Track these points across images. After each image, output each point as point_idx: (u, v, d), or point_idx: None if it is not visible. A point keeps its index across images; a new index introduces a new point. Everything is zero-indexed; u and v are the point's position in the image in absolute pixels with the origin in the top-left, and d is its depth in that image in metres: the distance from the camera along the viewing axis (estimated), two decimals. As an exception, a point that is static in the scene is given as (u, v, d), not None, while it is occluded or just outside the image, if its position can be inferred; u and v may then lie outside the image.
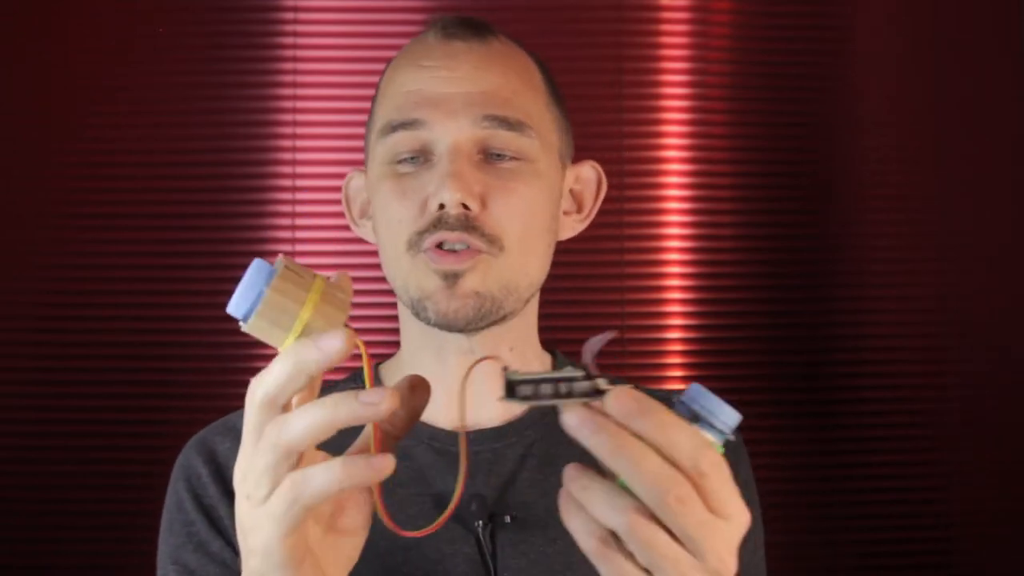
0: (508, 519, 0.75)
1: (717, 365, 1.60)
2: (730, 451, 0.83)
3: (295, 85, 1.61)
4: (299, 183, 1.60)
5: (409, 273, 0.76)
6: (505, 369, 0.50)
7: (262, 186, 1.60)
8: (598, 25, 1.64)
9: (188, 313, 1.57)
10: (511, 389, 0.49)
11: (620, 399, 0.49)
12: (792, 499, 1.56)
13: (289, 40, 1.62)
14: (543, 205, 0.79)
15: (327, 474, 0.48)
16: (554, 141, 0.81)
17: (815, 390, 1.62)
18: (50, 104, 1.59)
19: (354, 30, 1.62)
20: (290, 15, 1.62)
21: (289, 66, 1.62)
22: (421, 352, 0.81)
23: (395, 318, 0.85)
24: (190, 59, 1.60)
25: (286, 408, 0.50)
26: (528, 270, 0.78)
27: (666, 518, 0.48)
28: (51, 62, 1.59)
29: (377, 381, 0.85)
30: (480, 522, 0.74)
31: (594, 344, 0.51)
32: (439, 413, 0.80)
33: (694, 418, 0.51)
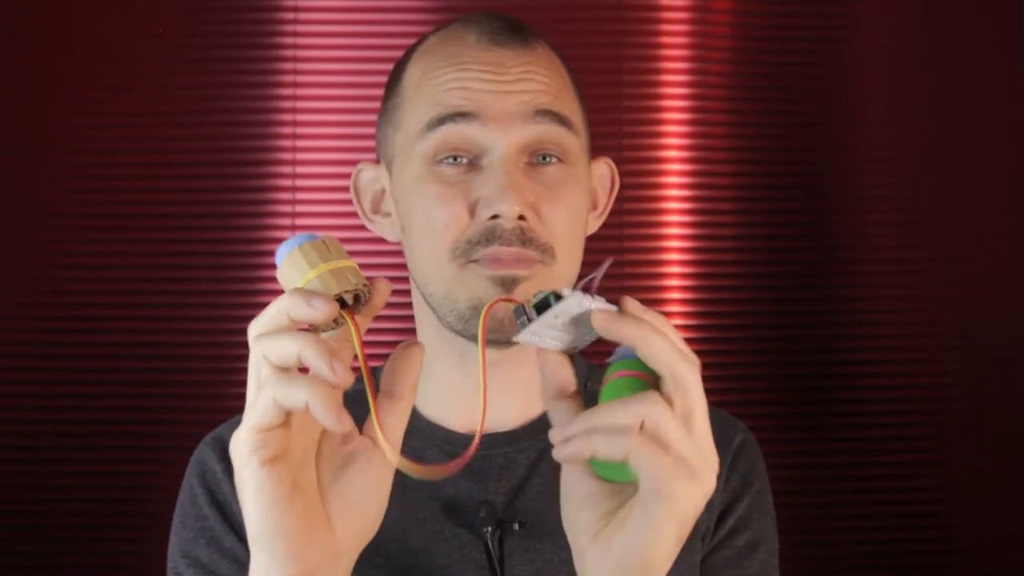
0: (516, 526, 0.75)
1: (717, 365, 1.60)
2: (747, 459, 0.83)
3: (295, 85, 1.61)
4: (299, 183, 1.60)
5: (456, 283, 0.73)
6: (521, 304, 0.56)
7: (262, 186, 1.60)
8: (598, 25, 1.64)
9: (188, 313, 1.57)
10: (540, 307, 0.55)
11: (632, 301, 0.55)
12: (792, 499, 1.56)
13: (289, 40, 1.62)
14: (583, 209, 0.78)
15: (301, 386, 0.52)
16: (585, 142, 0.80)
17: (815, 390, 1.62)
18: (50, 104, 1.59)
19: (354, 30, 1.62)
20: (290, 15, 1.62)
21: (289, 66, 1.62)
22: (440, 356, 0.79)
23: (405, 318, 0.84)
24: (190, 59, 1.61)
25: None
26: (571, 276, 0.77)
27: (690, 394, 0.54)
28: (51, 62, 1.59)
29: None
30: (489, 528, 0.74)
31: (596, 276, 0.55)
32: (453, 416, 0.79)
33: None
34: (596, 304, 0.55)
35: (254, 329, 0.54)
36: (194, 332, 1.57)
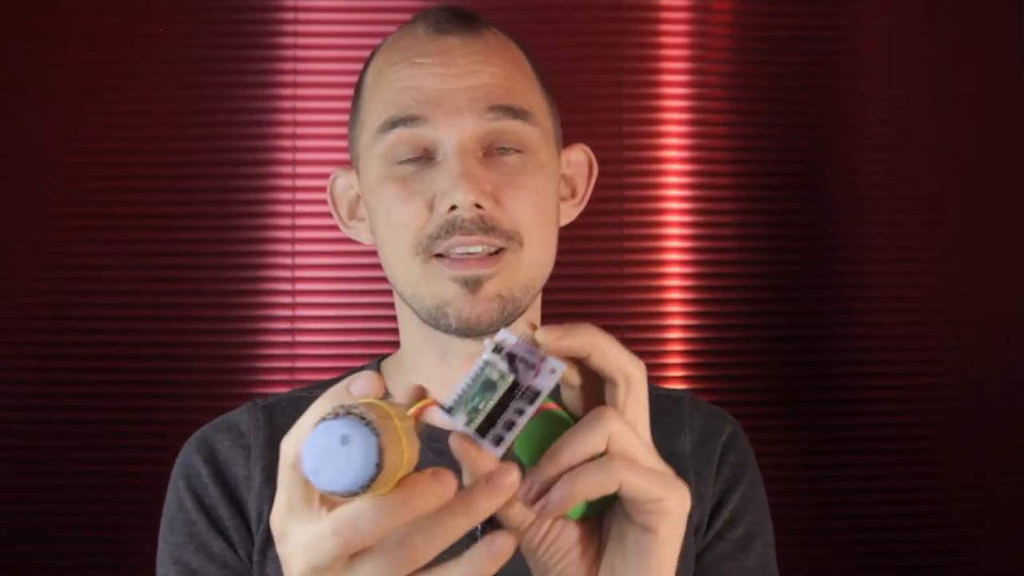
0: None
1: (717, 365, 1.60)
2: (738, 450, 0.83)
3: (295, 85, 1.61)
4: (299, 183, 1.60)
5: (421, 280, 0.74)
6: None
7: (262, 186, 1.60)
8: (598, 25, 1.64)
9: (189, 313, 1.57)
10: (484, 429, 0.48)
11: (551, 327, 0.49)
12: (791, 499, 1.56)
13: (289, 40, 1.62)
14: (550, 195, 0.78)
15: (463, 571, 0.46)
16: (550, 128, 0.79)
17: (815, 390, 1.62)
18: (50, 104, 1.59)
19: (354, 30, 1.62)
20: (290, 15, 1.62)
21: (289, 66, 1.62)
22: (424, 354, 0.80)
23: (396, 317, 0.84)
24: (190, 59, 1.60)
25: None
26: (543, 264, 0.77)
27: (641, 398, 0.50)
28: (51, 62, 1.59)
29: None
30: (481, 527, 0.74)
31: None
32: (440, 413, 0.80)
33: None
34: (520, 350, 0.49)
35: (358, 539, 0.44)
36: (194, 332, 1.56)
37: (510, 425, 0.48)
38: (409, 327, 0.81)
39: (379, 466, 0.41)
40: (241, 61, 1.61)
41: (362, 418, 0.42)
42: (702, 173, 1.64)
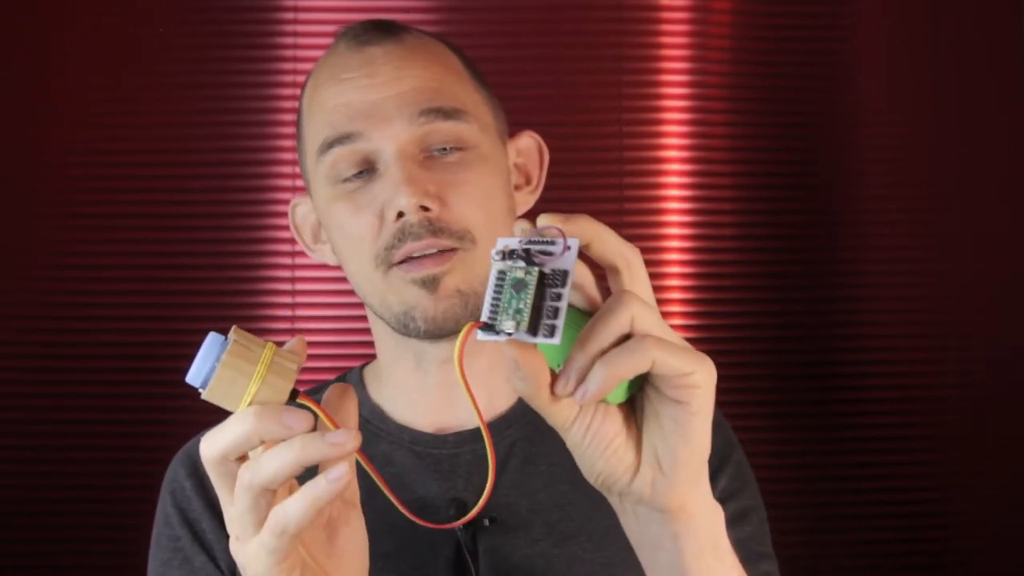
0: (487, 522, 0.74)
1: (717, 365, 1.59)
2: (720, 434, 0.83)
3: (295, 85, 1.61)
4: (299, 183, 1.60)
5: (386, 290, 0.75)
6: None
7: (262, 186, 1.60)
8: (598, 25, 1.64)
9: (188, 313, 1.57)
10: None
11: (544, 221, 0.48)
12: (791, 499, 1.56)
13: (289, 40, 1.62)
14: (498, 187, 0.78)
15: (300, 501, 0.50)
16: (489, 121, 0.80)
17: (815, 390, 1.62)
18: (50, 104, 1.59)
19: (354, 30, 1.62)
20: (290, 15, 1.62)
21: (289, 66, 1.62)
22: (399, 363, 0.80)
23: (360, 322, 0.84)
24: (190, 59, 1.61)
25: (243, 458, 0.52)
26: None
27: (646, 281, 0.51)
28: (51, 62, 1.59)
29: (361, 385, 0.84)
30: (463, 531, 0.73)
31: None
32: (420, 417, 0.80)
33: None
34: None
35: (213, 451, 0.52)
36: (194, 332, 1.56)
37: (555, 312, 0.47)
38: (382, 337, 0.81)
39: (216, 368, 0.50)
40: (241, 61, 1.61)
41: (228, 336, 0.51)
42: (702, 173, 1.64)
